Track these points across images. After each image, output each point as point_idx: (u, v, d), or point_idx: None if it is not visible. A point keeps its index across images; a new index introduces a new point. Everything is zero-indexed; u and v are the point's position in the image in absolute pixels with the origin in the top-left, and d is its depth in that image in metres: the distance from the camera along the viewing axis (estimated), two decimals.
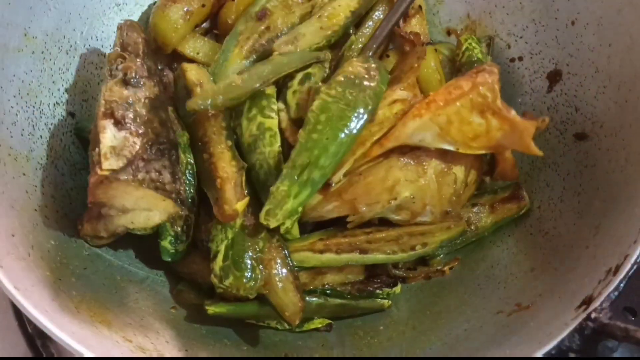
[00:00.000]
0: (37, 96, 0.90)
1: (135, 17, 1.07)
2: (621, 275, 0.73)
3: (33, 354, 0.93)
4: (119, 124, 0.80)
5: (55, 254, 0.81)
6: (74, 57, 0.97)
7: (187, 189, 0.86)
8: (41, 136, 0.90)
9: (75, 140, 0.96)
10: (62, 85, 0.95)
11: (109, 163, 0.77)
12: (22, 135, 0.86)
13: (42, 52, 0.92)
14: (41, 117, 0.90)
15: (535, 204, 0.95)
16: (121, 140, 0.79)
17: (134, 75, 0.85)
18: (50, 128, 0.92)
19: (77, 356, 0.67)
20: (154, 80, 0.87)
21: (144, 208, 0.81)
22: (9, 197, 0.80)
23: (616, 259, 0.74)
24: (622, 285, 0.73)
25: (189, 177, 0.87)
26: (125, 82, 0.84)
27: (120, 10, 1.05)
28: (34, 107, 0.89)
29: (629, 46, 0.88)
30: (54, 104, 0.93)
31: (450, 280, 0.94)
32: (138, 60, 0.87)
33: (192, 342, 0.83)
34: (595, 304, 0.72)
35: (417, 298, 0.95)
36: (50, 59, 0.93)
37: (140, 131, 0.81)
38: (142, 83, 0.85)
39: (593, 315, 0.72)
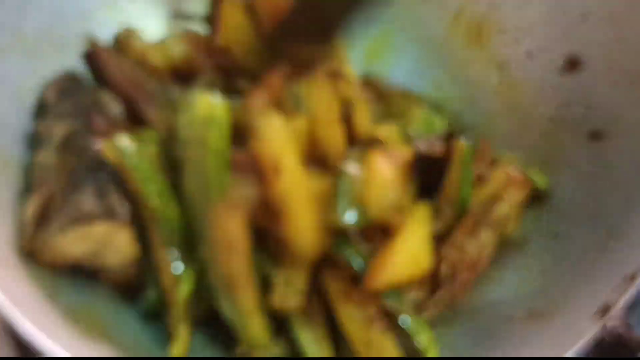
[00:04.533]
0: (29, 97, 0.88)
1: (129, 15, 1.04)
2: (639, 282, 0.71)
3: (20, 355, 0.91)
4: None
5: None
6: (67, 56, 0.94)
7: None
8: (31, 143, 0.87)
9: None
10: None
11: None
12: (14, 137, 0.84)
13: (35, 51, 0.90)
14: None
15: (547, 205, 0.93)
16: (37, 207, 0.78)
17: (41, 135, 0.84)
18: None
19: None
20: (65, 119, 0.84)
21: (94, 247, 0.77)
22: (2, 203, 0.78)
23: (633, 265, 0.73)
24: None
25: None
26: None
27: (114, 8, 1.03)
28: (26, 108, 0.87)
29: None
30: None
31: None
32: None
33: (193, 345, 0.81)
34: (612, 312, 0.70)
35: None
36: (43, 58, 0.91)
37: (49, 188, 0.79)
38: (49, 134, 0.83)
39: (609, 324, 0.70)
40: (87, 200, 0.77)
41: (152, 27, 1.07)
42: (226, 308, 0.78)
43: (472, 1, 1.08)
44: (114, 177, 0.80)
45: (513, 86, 1.03)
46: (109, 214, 0.77)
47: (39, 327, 0.65)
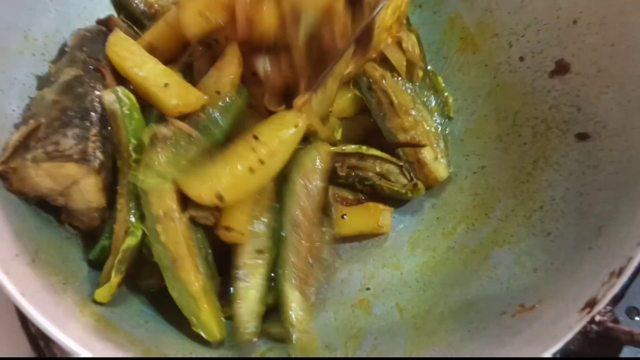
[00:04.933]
0: None
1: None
2: (625, 277, 0.73)
3: (36, 355, 0.93)
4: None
5: (59, 258, 0.81)
6: None
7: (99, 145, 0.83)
8: None
9: None
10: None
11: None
12: None
13: (43, 54, 0.91)
14: None
15: (537, 204, 0.94)
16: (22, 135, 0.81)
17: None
18: None
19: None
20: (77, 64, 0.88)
21: (62, 186, 0.80)
22: (12, 200, 0.80)
23: (620, 261, 0.74)
24: (625, 287, 0.73)
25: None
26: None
27: (120, 11, 1.04)
28: None
29: (632, 46, 0.88)
30: None
31: (453, 281, 0.94)
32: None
33: (196, 344, 0.83)
34: (599, 306, 0.72)
35: (420, 299, 0.95)
36: (51, 61, 0.93)
37: (42, 118, 0.81)
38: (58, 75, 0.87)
39: (597, 318, 0.72)
40: (67, 141, 0.80)
41: None
42: (171, 289, 0.82)
43: (467, 6, 1.11)
44: (100, 127, 0.84)
45: (505, 88, 1.05)
46: (82, 158, 0.80)
47: (53, 322, 0.68)
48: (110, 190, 0.84)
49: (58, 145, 0.79)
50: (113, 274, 0.81)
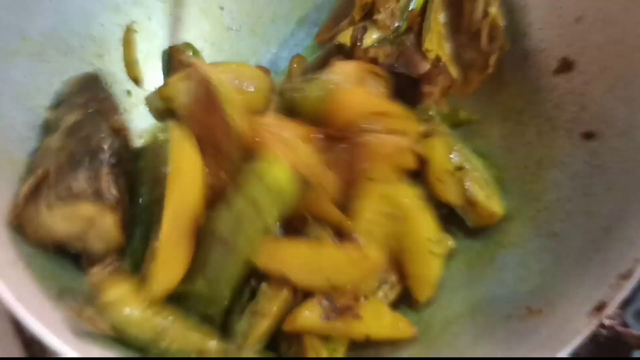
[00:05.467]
0: (34, 99, 0.89)
1: (133, 17, 1.06)
2: (634, 280, 0.72)
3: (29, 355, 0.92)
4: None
5: (55, 263, 0.80)
6: (71, 59, 0.96)
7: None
8: (39, 140, 0.88)
9: None
10: (60, 88, 0.93)
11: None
12: (20, 139, 0.85)
13: (39, 54, 0.91)
14: (39, 120, 0.89)
15: (543, 205, 0.93)
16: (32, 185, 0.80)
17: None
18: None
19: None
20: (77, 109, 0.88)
21: (79, 228, 0.79)
22: (7, 203, 0.79)
23: (628, 263, 0.74)
24: (634, 290, 0.73)
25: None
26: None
27: (118, 11, 1.04)
28: (31, 110, 0.88)
29: (637, 44, 0.88)
30: None
31: (458, 284, 0.93)
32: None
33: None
34: (608, 310, 0.71)
35: None
36: (48, 61, 0.92)
37: (47, 168, 0.81)
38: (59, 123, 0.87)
39: (606, 322, 0.71)
40: (79, 184, 0.78)
41: (154, 30, 1.09)
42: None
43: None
44: (111, 166, 0.82)
45: (508, 87, 1.04)
46: (97, 196, 0.78)
47: (50, 329, 0.67)
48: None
49: (70, 189, 0.78)
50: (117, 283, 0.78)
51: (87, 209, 0.78)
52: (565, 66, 0.98)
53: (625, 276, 0.73)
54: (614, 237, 0.80)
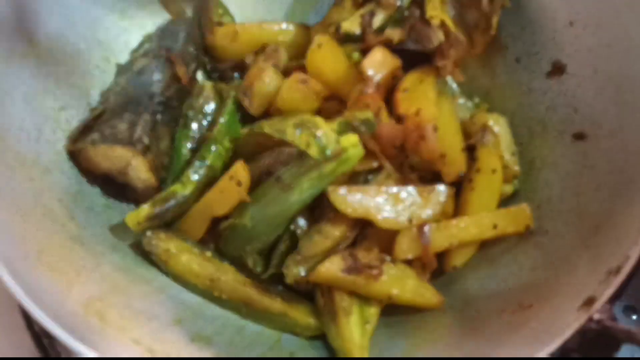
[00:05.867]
0: (42, 101, 0.91)
1: (138, 20, 1.07)
2: (622, 276, 0.74)
3: (40, 353, 0.93)
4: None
5: (63, 258, 0.81)
6: (78, 61, 0.98)
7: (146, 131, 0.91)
8: (47, 140, 0.90)
9: None
10: (67, 90, 0.96)
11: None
12: (28, 140, 0.87)
13: (47, 57, 0.92)
14: (47, 121, 0.91)
15: (535, 204, 0.95)
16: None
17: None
18: (56, 132, 0.92)
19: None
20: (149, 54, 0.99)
21: (119, 165, 0.90)
22: (17, 202, 0.81)
23: (617, 260, 0.75)
24: (623, 285, 0.74)
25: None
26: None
27: (123, 14, 1.05)
28: (39, 112, 0.90)
29: (628, 48, 0.89)
30: (59, 108, 0.93)
31: (452, 279, 0.95)
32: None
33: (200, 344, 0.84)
34: (597, 305, 0.73)
35: None
36: (55, 64, 0.94)
37: (108, 104, 0.92)
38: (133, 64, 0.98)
39: (595, 316, 0.73)
40: (122, 125, 0.90)
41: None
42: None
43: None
44: (152, 112, 0.92)
45: (502, 89, 1.06)
46: (128, 142, 0.88)
47: (57, 322, 0.69)
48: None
49: (113, 129, 0.89)
50: (147, 204, 0.88)
51: (119, 151, 0.88)
52: (558, 69, 0.99)
53: (614, 272, 0.75)
54: (603, 234, 0.82)
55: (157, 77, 0.95)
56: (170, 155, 0.94)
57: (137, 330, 0.79)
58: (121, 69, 1.00)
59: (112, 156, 0.88)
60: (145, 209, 0.88)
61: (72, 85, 0.97)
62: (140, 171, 0.89)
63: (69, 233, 0.86)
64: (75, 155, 0.90)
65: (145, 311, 0.84)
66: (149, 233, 0.89)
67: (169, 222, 0.92)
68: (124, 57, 1.05)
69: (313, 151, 0.86)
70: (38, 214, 0.83)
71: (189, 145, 0.95)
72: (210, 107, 0.98)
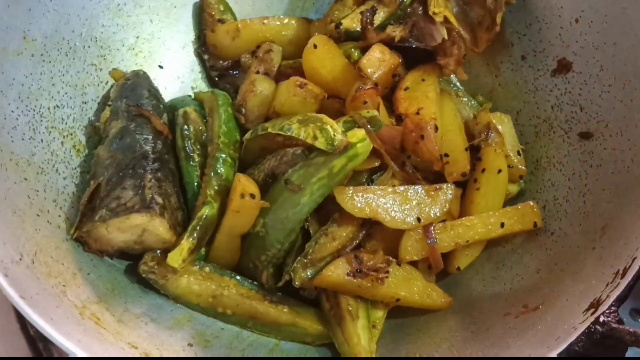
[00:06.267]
0: (37, 99, 0.89)
1: (133, 18, 1.06)
2: (629, 278, 0.73)
3: (34, 356, 0.92)
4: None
5: (58, 260, 0.80)
6: (73, 59, 0.96)
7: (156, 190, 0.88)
8: (42, 140, 0.89)
9: (77, 144, 0.95)
10: (62, 88, 0.94)
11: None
12: (22, 139, 0.86)
13: (42, 55, 0.91)
14: (42, 120, 0.89)
15: (541, 204, 0.94)
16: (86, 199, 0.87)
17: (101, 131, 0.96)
18: (50, 131, 0.90)
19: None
20: (120, 115, 0.94)
21: (136, 235, 0.85)
22: (11, 202, 0.79)
23: (623, 262, 0.75)
24: (629, 287, 0.73)
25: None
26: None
27: (119, 11, 1.04)
28: (34, 110, 0.89)
29: (634, 45, 0.88)
30: (54, 107, 0.92)
31: (456, 281, 0.94)
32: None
33: (197, 347, 0.83)
34: (604, 307, 0.72)
35: None
36: (50, 62, 0.92)
37: (100, 178, 0.88)
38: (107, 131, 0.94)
39: (602, 319, 0.72)
40: (126, 193, 0.85)
41: (155, 31, 1.09)
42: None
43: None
44: (154, 170, 0.88)
45: (507, 87, 1.05)
46: (143, 207, 0.84)
47: (52, 325, 0.67)
48: (181, 226, 0.89)
49: (120, 200, 0.84)
50: (185, 239, 0.85)
51: (136, 218, 0.83)
52: (564, 66, 0.98)
53: (621, 274, 0.74)
54: (610, 235, 0.81)
55: (143, 136, 0.91)
56: (182, 209, 0.91)
57: (134, 333, 0.78)
58: (91, 144, 0.96)
59: (128, 227, 0.83)
60: (186, 243, 0.85)
61: (67, 84, 0.95)
62: (160, 233, 0.84)
63: (64, 234, 0.85)
64: (84, 240, 0.86)
65: (142, 314, 0.83)
66: (144, 258, 0.87)
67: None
68: (119, 56, 1.04)
69: (320, 143, 0.84)
70: (33, 215, 0.82)
71: (197, 173, 0.94)
72: (201, 127, 0.98)
